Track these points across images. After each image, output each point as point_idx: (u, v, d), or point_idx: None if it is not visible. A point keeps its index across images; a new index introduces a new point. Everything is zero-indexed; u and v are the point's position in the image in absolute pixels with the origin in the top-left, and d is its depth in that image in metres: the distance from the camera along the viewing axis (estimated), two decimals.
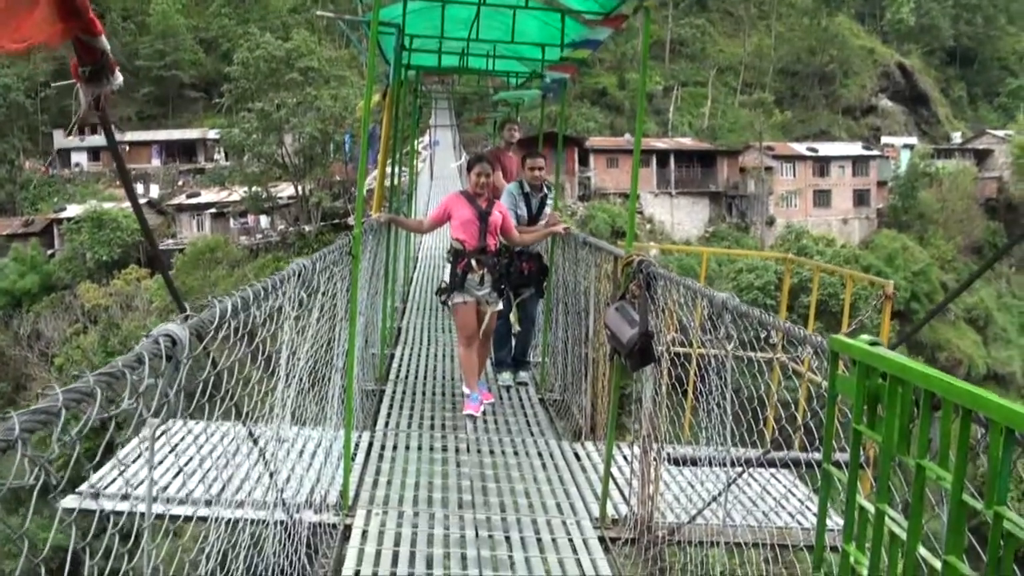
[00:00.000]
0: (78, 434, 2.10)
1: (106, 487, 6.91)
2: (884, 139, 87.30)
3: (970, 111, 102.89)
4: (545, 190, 10.50)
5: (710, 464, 5.69)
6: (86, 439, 2.41)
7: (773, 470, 7.94)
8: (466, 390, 9.72)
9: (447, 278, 9.48)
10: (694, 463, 6.82)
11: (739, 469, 5.50)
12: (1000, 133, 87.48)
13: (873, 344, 2.36)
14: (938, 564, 1.99)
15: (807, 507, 7.39)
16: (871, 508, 2.32)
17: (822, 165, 77.50)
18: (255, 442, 4.58)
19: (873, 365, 2.30)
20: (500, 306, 9.52)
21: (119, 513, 3.09)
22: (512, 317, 10.92)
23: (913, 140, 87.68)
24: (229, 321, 3.44)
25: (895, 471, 2.31)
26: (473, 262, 9.16)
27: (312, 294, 5.53)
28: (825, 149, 79.43)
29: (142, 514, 3.03)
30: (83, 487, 6.83)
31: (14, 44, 2.08)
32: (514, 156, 12.54)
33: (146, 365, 2.50)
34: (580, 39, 9.58)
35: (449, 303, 9.41)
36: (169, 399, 2.78)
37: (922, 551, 2.09)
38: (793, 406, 6.30)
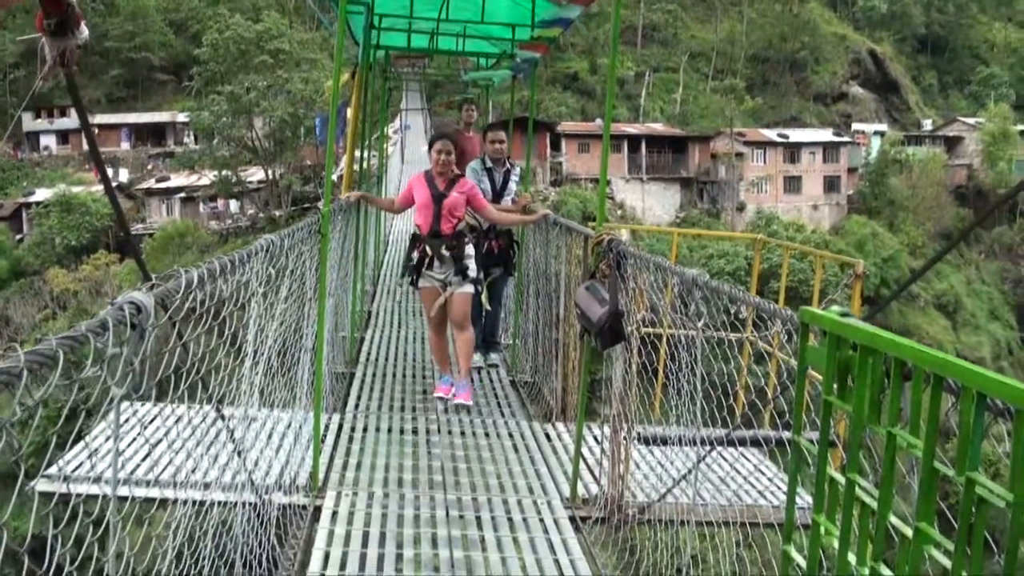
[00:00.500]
0: (41, 398, 2.06)
1: (73, 471, 6.85)
2: (855, 126, 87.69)
3: (941, 99, 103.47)
4: (508, 164, 10.40)
5: (680, 443, 5.69)
6: (53, 424, 2.37)
7: (743, 449, 7.97)
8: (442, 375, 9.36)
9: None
10: (664, 442, 6.84)
11: (708, 447, 5.51)
12: (971, 120, 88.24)
13: (844, 315, 2.35)
14: (909, 532, 1.98)
15: (776, 485, 7.43)
16: (841, 479, 2.31)
17: (793, 151, 77.83)
18: (223, 418, 4.54)
19: (843, 336, 2.29)
20: (468, 288, 8.86)
21: (87, 495, 3.04)
22: (483, 297, 10.86)
23: (884, 127, 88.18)
24: (196, 293, 3.39)
25: (865, 445, 2.30)
26: (426, 247, 8.73)
27: (280, 272, 5.49)
28: (796, 135, 79.76)
29: (106, 496, 2.99)
30: (51, 470, 6.79)
31: None
32: (474, 136, 12.46)
33: (110, 331, 2.45)
34: (551, 18, 9.54)
35: (413, 285, 9.12)
36: (135, 368, 2.73)
37: (893, 520, 2.08)
38: (763, 380, 6.32)
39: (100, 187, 67.33)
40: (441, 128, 12.26)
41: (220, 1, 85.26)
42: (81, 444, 7.19)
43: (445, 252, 8.68)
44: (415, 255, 8.85)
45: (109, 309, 2.68)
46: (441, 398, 9.08)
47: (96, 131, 77.69)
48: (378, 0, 10.21)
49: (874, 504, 2.13)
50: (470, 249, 8.89)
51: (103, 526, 2.88)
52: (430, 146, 9.00)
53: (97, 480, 6.11)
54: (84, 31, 2.65)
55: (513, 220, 9.88)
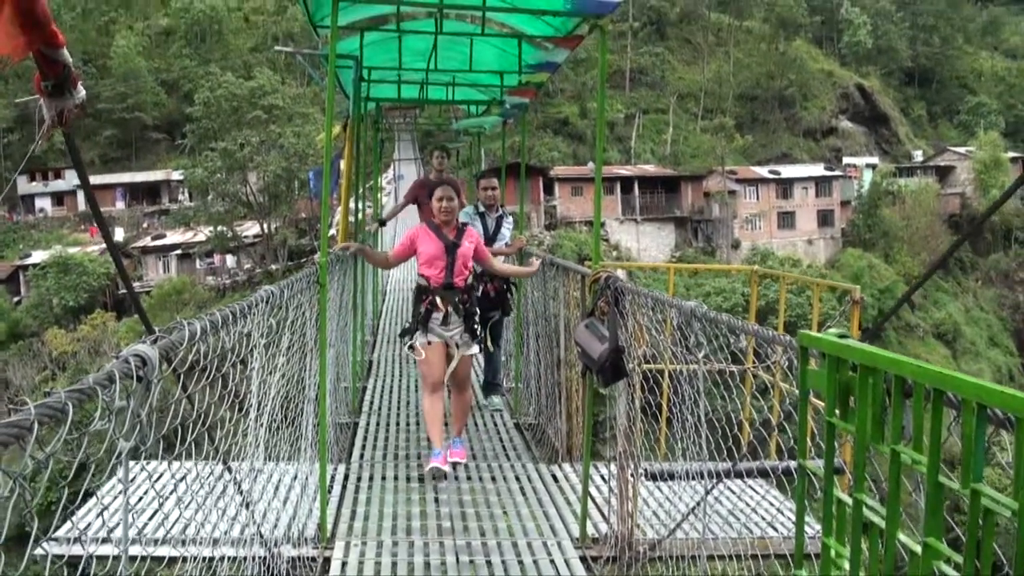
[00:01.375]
0: (51, 450, 2.08)
1: (83, 530, 6.81)
2: (846, 159, 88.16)
3: (930, 129, 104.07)
4: (500, 210, 10.47)
5: (687, 477, 5.69)
6: (55, 485, 2.38)
7: (749, 480, 7.96)
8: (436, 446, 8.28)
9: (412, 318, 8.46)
10: (671, 477, 6.83)
11: (715, 480, 5.50)
12: (961, 150, 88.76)
13: (842, 337, 2.37)
14: (918, 548, 1.99)
15: (783, 514, 7.41)
16: (849, 500, 2.32)
17: (785, 187, 78.27)
18: (229, 470, 4.54)
19: (843, 357, 2.31)
20: (475, 349, 8.41)
21: (95, 556, 3.03)
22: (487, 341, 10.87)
23: (875, 160, 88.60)
24: (199, 345, 3.42)
25: (870, 464, 2.31)
26: (437, 299, 8.07)
27: (281, 323, 5.51)
28: (787, 171, 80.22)
29: (116, 557, 2.99)
30: (59, 533, 6.76)
31: None
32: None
33: (117, 384, 2.47)
34: (537, 62, 9.62)
35: (413, 345, 8.24)
36: (141, 420, 2.75)
37: (901, 537, 2.09)
38: (767, 409, 6.31)
39: (96, 247, 67.56)
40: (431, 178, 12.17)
41: (211, 60, 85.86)
42: (92, 501, 7.14)
43: (460, 306, 8.14)
44: (422, 309, 8.17)
45: (115, 362, 2.70)
46: (437, 469, 8.01)
47: None
48: (367, 53, 10.29)
49: (882, 523, 2.15)
50: (477, 307, 8.41)
51: None
52: (429, 195, 8.58)
53: (106, 541, 6.08)
54: (81, 91, 2.69)
55: (513, 272, 9.74)
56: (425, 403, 8.34)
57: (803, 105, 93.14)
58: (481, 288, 9.81)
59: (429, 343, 8.13)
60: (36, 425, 2.01)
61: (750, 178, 78.22)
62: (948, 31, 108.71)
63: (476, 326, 8.29)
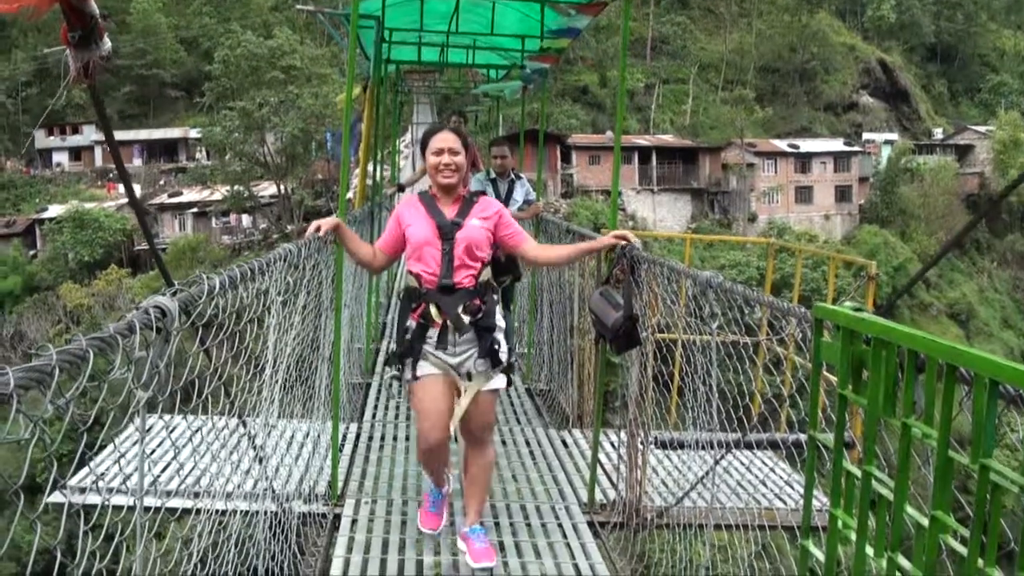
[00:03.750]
0: (72, 395, 2.11)
1: (93, 482, 6.88)
2: (865, 135, 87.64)
3: (951, 107, 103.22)
4: (512, 175, 10.39)
5: (696, 446, 5.72)
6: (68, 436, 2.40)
7: (758, 452, 8.00)
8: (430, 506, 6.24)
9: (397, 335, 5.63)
10: (681, 446, 6.87)
11: (724, 450, 5.54)
12: (981, 129, 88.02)
13: (857, 310, 2.38)
14: (925, 521, 2.01)
15: (791, 487, 7.45)
16: (858, 472, 2.34)
17: (804, 161, 77.84)
18: (244, 425, 4.58)
19: (857, 330, 2.32)
20: (500, 381, 5.60)
21: (110, 506, 3.06)
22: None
23: (894, 136, 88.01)
24: (217, 300, 3.44)
25: (879, 438, 2.33)
26: (432, 309, 5.30)
27: (298, 281, 5.54)
28: (806, 145, 79.73)
29: (134, 491, 3.03)
30: (71, 480, 6.84)
31: (5, 5, 2.09)
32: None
33: (137, 334, 2.50)
34: (560, 28, 9.60)
35: (403, 379, 5.54)
36: (160, 371, 2.78)
37: (909, 510, 2.11)
38: (779, 380, 6.34)
39: (113, 203, 67.70)
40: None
41: (231, 18, 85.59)
42: (109, 449, 7.22)
43: (465, 318, 5.33)
44: (412, 323, 5.41)
45: (135, 312, 2.73)
46: (432, 535, 6.11)
47: (107, 148, 78.12)
48: (388, 14, 10.26)
49: (891, 496, 2.16)
50: (499, 317, 5.54)
51: (116, 538, 2.92)
52: (423, 145, 5.56)
53: (111, 491, 6.14)
54: (107, 43, 2.70)
55: (573, 253, 6.22)
56: (423, 450, 5.72)
57: (824, 79, 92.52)
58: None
59: (428, 376, 5.43)
60: (57, 371, 2.03)
61: (769, 151, 77.82)
62: (972, 8, 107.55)
63: (498, 347, 5.44)
